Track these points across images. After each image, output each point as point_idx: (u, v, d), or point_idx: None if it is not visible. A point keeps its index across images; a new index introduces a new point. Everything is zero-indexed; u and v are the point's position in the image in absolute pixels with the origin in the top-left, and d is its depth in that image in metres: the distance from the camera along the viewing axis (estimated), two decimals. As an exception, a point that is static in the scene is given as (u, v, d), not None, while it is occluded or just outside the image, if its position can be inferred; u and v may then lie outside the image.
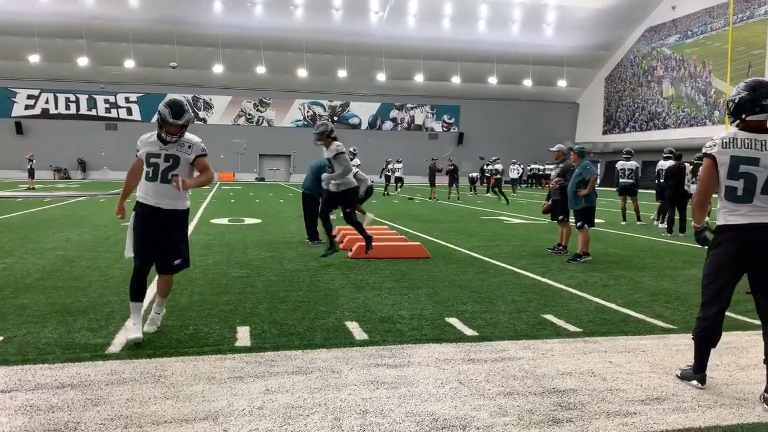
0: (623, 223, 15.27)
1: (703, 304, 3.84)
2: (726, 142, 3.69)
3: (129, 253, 4.71)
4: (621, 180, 15.50)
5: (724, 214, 3.73)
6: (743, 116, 3.71)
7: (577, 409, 3.49)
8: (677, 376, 4.02)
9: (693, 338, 3.90)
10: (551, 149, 10.27)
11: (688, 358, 4.40)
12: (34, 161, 29.84)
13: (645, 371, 4.17)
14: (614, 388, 3.85)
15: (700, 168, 3.89)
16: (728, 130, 3.82)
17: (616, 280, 7.59)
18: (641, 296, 6.64)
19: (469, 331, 5.08)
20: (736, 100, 3.74)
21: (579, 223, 9.25)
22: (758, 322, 5.49)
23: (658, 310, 5.96)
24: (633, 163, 15.39)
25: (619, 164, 15.71)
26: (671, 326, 5.35)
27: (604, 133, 48.36)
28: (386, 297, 6.39)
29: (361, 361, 4.26)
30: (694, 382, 3.88)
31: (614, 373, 4.12)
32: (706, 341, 3.83)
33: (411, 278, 7.49)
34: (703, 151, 3.83)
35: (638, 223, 15.09)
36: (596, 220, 9.78)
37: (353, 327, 5.16)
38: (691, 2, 39.20)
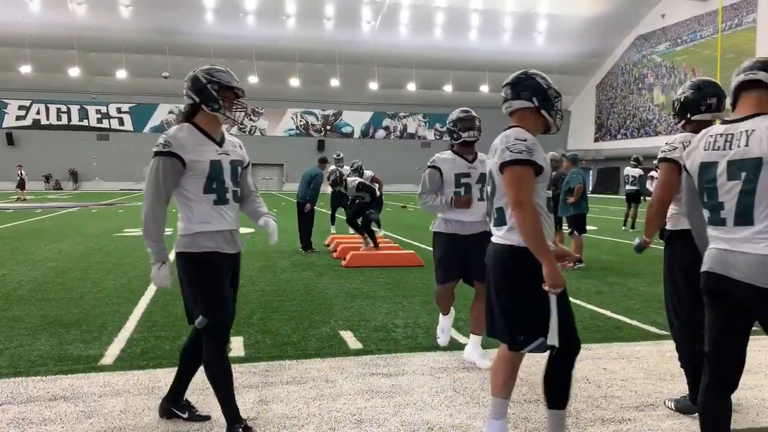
0: (623, 228, 15.35)
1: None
2: (687, 146, 3.39)
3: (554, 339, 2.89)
4: (627, 186, 15.67)
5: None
6: (688, 116, 3.54)
7: (572, 416, 3.49)
8: (670, 408, 3.62)
9: (682, 367, 3.63)
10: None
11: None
12: (23, 172, 29.60)
13: (639, 378, 4.18)
14: (609, 394, 3.86)
15: (659, 173, 3.63)
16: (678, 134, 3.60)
17: (610, 286, 7.61)
18: (635, 303, 6.66)
19: (463, 339, 5.07)
20: (681, 100, 3.58)
21: (570, 230, 9.30)
22: (754, 327, 5.53)
23: (652, 316, 5.97)
24: (638, 171, 15.50)
25: (626, 170, 15.86)
26: (665, 332, 5.36)
27: (596, 140, 48.62)
28: (380, 305, 6.38)
29: (355, 371, 4.25)
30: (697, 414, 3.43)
31: (609, 380, 4.12)
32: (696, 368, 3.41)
33: (405, 286, 7.49)
34: (661, 155, 3.57)
35: (631, 230, 15.15)
36: (590, 227, 9.82)
37: (347, 336, 5.15)
38: (680, 10, 39.56)
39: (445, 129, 4.64)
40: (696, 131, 3.40)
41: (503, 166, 2.81)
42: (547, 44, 44.91)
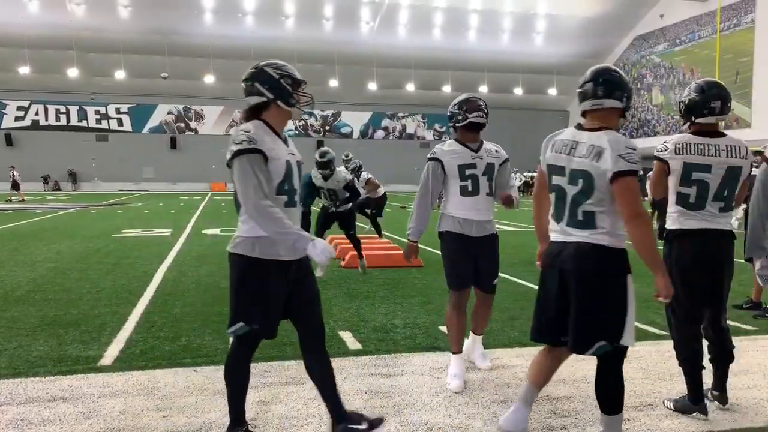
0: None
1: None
2: (679, 148, 3.48)
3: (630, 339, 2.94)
4: None
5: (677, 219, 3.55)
6: (693, 118, 3.55)
7: (571, 416, 3.49)
8: (669, 408, 3.66)
9: (680, 365, 3.65)
10: None
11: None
12: (16, 173, 29.43)
13: (638, 378, 4.18)
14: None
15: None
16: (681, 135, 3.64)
17: (609, 286, 7.61)
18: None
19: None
20: (686, 102, 3.59)
21: None
22: (750, 328, 5.54)
23: (650, 316, 5.98)
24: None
25: None
26: (664, 332, 5.36)
27: (594, 140, 48.61)
28: (379, 306, 6.38)
29: (354, 371, 4.25)
30: (696, 414, 3.54)
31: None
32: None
33: (404, 287, 7.49)
34: (655, 153, 3.63)
35: None
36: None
37: (346, 336, 5.15)
38: (678, 10, 39.57)
39: (448, 113, 4.16)
40: (700, 133, 3.49)
41: (617, 176, 2.71)
42: (545, 45, 44.92)
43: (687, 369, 3.57)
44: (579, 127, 2.95)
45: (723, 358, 3.60)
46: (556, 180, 2.95)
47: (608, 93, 2.85)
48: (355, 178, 10.80)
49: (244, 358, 3.01)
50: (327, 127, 49.24)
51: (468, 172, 4.03)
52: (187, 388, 3.89)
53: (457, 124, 4.09)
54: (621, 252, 2.84)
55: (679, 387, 3.97)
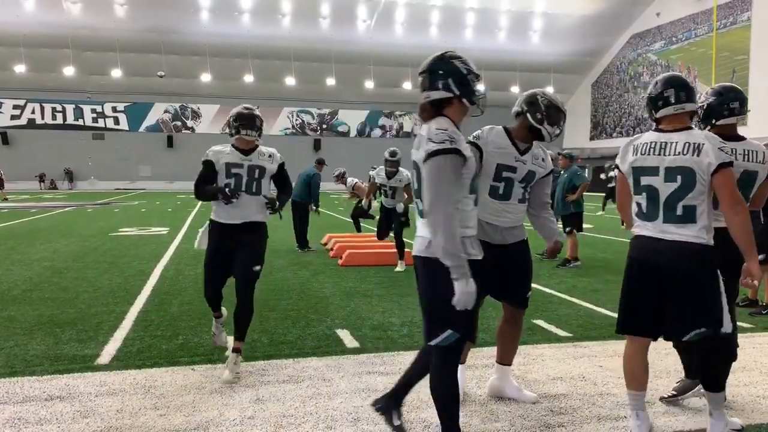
0: (623, 227, 15.38)
1: None
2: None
3: None
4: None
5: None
6: (714, 121, 3.64)
7: (569, 414, 3.50)
8: (666, 397, 3.76)
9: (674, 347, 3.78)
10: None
11: (677, 361, 4.44)
12: (2, 171, 29.21)
13: (635, 375, 4.19)
14: (605, 392, 3.87)
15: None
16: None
17: (606, 284, 7.63)
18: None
19: (459, 338, 5.08)
20: (705, 107, 3.70)
21: (567, 229, 9.30)
22: (746, 325, 5.55)
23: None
24: None
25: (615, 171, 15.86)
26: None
27: (592, 138, 48.68)
28: (377, 304, 6.38)
29: (352, 369, 4.25)
30: (691, 404, 3.69)
31: (605, 378, 4.14)
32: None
33: (401, 285, 7.49)
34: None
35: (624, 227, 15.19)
36: (585, 225, 9.83)
37: (344, 335, 5.15)
38: (675, 9, 39.62)
39: (521, 108, 3.62)
40: (720, 135, 3.48)
41: (721, 167, 2.92)
42: (542, 43, 44.92)
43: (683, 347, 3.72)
44: (659, 130, 3.13)
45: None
46: (647, 180, 3.09)
47: (689, 97, 3.10)
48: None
49: (452, 373, 2.80)
50: (324, 126, 49.19)
51: (505, 174, 3.57)
52: (184, 386, 3.88)
53: (533, 123, 3.58)
54: (713, 247, 3.02)
55: (675, 384, 3.99)
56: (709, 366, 3.19)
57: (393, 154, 8.83)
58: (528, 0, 41.84)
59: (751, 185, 3.51)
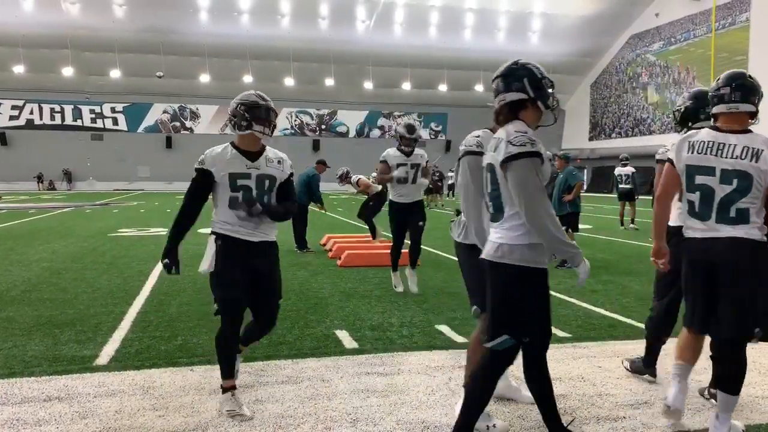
0: (622, 228, 15.38)
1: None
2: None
3: None
4: (620, 186, 15.68)
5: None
6: (690, 124, 3.79)
7: (567, 414, 3.50)
8: (626, 368, 4.19)
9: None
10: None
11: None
12: None
13: (633, 376, 4.19)
14: (604, 392, 3.87)
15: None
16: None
17: (605, 285, 7.63)
18: (629, 301, 6.68)
19: (459, 338, 5.08)
20: (682, 110, 3.84)
21: (564, 228, 9.34)
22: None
23: (646, 314, 5.97)
24: (629, 169, 15.54)
25: (617, 170, 15.88)
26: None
27: (590, 139, 48.71)
28: (376, 305, 6.38)
29: (351, 370, 4.25)
30: (646, 376, 4.07)
31: (603, 378, 4.14)
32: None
33: (400, 286, 7.48)
34: (658, 157, 3.84)
35: (631, 226, 15.20)
36: (584, 226, 9.85)
37: (343, 335, 5.15)
38: (674, 9, 39.67)
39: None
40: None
41: None
42: (541, 43, 44.95)
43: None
44: (716, 129, 3.12)
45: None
46: (702, 180, 3.10)
47: (744, 98, 3.09)
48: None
49: (500, 374, 2.90)
50: (323, 126, 49.20)
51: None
52: (183, 387, 3.88)
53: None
54: (766, 244, 3.06)
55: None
56: (739, 366, 3.15)
57: (411, 129, 7.10)
58: (527, 0, 41.89)
59: None
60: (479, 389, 2.87)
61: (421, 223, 7.08)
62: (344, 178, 12.48)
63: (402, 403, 3.65)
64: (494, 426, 3.24)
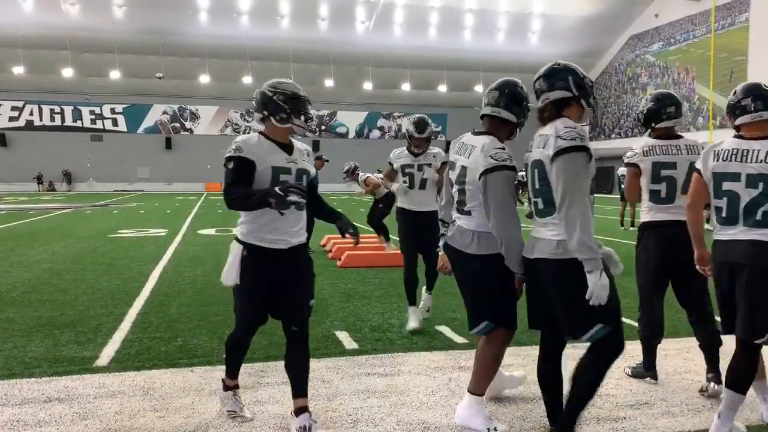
0: (621, 228, 15.38)
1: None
2: (646, 150, 3.96)
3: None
4: (622, 185, 15.68)
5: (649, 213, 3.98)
6: (653, 125, 4.03)
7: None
8: (627, 374, 4.20)
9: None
10: None
11: (676, 363, 4.45)
12: None
13: (633, 377, 4.19)
14: (604, 393, 3.86)
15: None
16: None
17: (604, 285, 7.62)
18: (629, 301, 6.66)
19: (459, 339, 5.08)
20: (645, 112, 4.08)
21: None
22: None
23: (646, 315, 5.98)
24: None
25: (620, 170, 15.88)
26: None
27: (591, 139, 48.62)
28: (376, 306, 6.38)
29: (351, 371, 4.25)
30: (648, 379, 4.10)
31: (603, 379, 4.13)
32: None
33: (400, 287, 7.44)
34: (625, 161, 4.08)
35: (631, 228, 15.21)
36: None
37: (343, 336, 5.15)
38: (673, 10, 39.67)
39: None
40: (661, 137, 3.98)
41: None
42: (541, 44, 44.97)
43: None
44: (739, 137, 3.24)
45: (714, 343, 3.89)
46: (728, 186, 3.19)
47: (765, 106, 3.20)
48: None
49: (612, 360, 3.02)
50: (323, 127, 49.19)
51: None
52: (183, 388, 3.88)
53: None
54: None
55: (674, 385, 3.99)
56: (751, 367, 3.18)
57: (421, 126, 5.52)
58: (526, 1, 41.90)
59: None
60: (592, 377, 3.00)
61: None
62: (351, 174, 11.33)
63: (402, 404, 3.65)
64: (495, 429, 3.24)
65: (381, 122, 50.80)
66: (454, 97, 48.57)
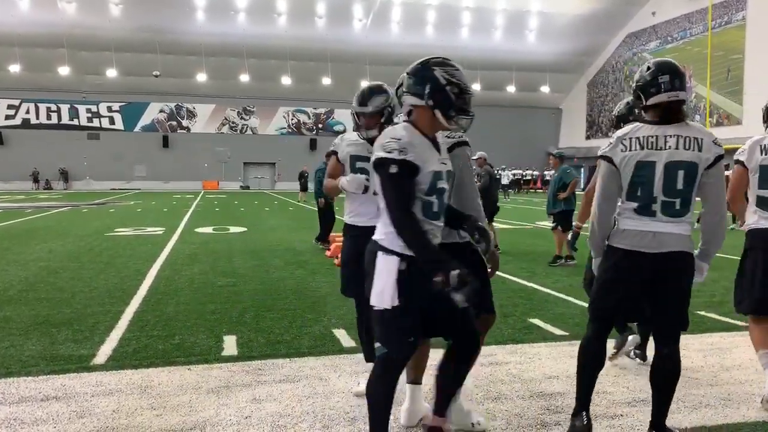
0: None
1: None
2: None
3: None
4: None
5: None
6: (621, 124, 4.07)
7: (565, 413, 3.50)
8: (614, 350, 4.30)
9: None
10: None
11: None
12: None
13: (630, 373, 4.20)
14: (600, 390, 3.87)
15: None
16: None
17: (601, 283, 7.64)
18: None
19: (456, 337, 5.08)
20: (618, 115, 4.27)
21: (554, 225, 9.44)
22: (742, 324, 5.57)
23: (643, 312, 6.00)
24: None
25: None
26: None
27: (587, 138, 48.76)
28: (373, 304, 6.37)
29: (349, 368, 4.25)
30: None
31: (600, 376, 4.12)
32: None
33: (398, 284, 7.48)
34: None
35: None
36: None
37: (341, 334, 5.15)
38: (670, 8, 39.74)
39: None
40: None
41: None
42: (538, 42, 45.02)
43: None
44: None
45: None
46: None
47: None
48: None
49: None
50: (320, 125, 49.16)
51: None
52: (180, 386, 3.88)
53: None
54: None
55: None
56: None
57: (363, 97, 3.97)
58: (524, -1, 41.95)
59: None
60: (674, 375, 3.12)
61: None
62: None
63: (400, 402, 3.65)
64: (479, 423, 3.26)
65: (378, 120, 50.73)
66: (452, 95, 48.50)
